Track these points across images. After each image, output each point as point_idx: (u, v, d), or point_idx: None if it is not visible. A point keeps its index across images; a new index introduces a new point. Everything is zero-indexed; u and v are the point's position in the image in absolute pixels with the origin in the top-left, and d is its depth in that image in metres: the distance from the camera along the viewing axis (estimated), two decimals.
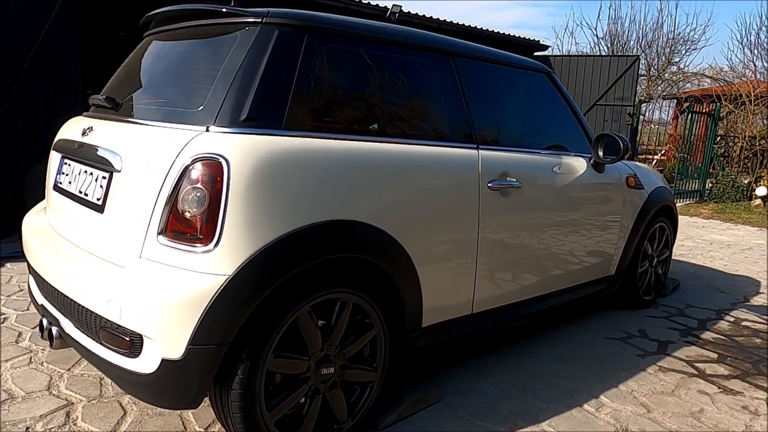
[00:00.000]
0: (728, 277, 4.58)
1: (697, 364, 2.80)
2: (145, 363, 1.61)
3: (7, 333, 2.72)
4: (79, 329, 1.86)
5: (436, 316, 2.20)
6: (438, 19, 8.82)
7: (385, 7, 7.72)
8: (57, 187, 2.17)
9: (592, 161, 2.90)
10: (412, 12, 8.45)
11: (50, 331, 1.95)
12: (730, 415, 2.31)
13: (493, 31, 9.65)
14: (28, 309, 3.04)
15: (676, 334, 3.20)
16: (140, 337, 1.61)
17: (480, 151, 2.29)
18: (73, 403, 2.12)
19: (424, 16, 8.65)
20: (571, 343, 2.96)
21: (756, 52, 18.55)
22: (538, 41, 10.78)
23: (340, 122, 1.94)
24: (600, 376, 2.60)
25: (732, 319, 3.52)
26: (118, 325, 1.63)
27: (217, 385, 1.70)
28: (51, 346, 1.96)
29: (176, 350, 1.55)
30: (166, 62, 2.22)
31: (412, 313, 2.06)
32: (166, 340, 1.56)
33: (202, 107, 1.74)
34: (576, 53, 19.31)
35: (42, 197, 2.50)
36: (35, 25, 4.99)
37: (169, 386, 1.61)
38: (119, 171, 1.77)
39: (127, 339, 1.63)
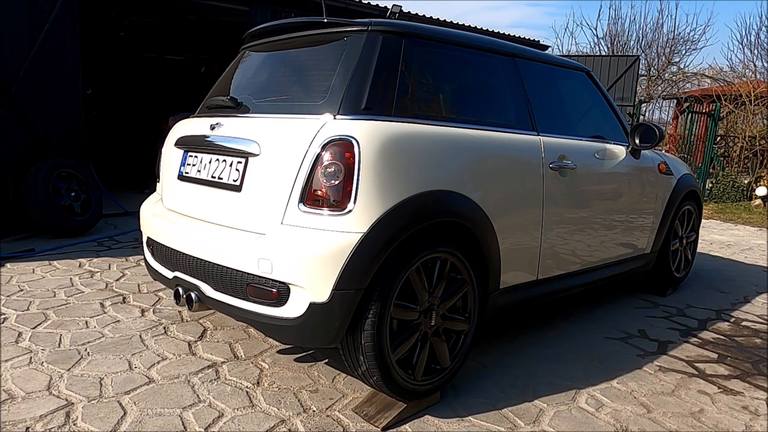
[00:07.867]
0: (728, 278, 4.58)
1: (697, 364, 2.80)
2: (292, 309, 1.93)
3: (7, 333, 2.72)
4: (219, 291, 2.15)
5: (510, 279, 2.53)
6: (438, 19, 8.81)
7: (385, 7, 7.72)
8: (182, 177, 2.47)
9: (629, 148, 3.27)
10: (412, 12, 8.44)
11: (189, 296, 2.25)
12: (730, 415, 2.31)
13: (492, 31, 9.65)
14: (28, 309, 3.04)
15: (676, 334, 3.20)
16: (287, 288, 1.93)
17: (541, 137, 2.64)
18: (73, 403, 2.11)
19: (423, 16, 8.65)
20: (571, 344, 2.96)
21: (756, 52, 18.57)
22: (538, 41, 10.80)
23: (434, 111, 2.33)
24: (600, 376, 2.59)
25: (732, 319, 3.51)
26: (267, 279, 1.95)
27: (349, 331, 1.99)
28: (190, 309, 2.26)
29: (323, 294, 1.87)
30: (274, 68, 2.59)
31: (493, 275, 2.40)
32: (315, 286, 1.88)
33: (324, 100, 2.09)
34: (576, 53, 19.33)
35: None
36: (35, 25, 4.99)
37: (315, 326, 1.92)
38: (257, 155, 2.09)
39: (275, 290, 1.95)
